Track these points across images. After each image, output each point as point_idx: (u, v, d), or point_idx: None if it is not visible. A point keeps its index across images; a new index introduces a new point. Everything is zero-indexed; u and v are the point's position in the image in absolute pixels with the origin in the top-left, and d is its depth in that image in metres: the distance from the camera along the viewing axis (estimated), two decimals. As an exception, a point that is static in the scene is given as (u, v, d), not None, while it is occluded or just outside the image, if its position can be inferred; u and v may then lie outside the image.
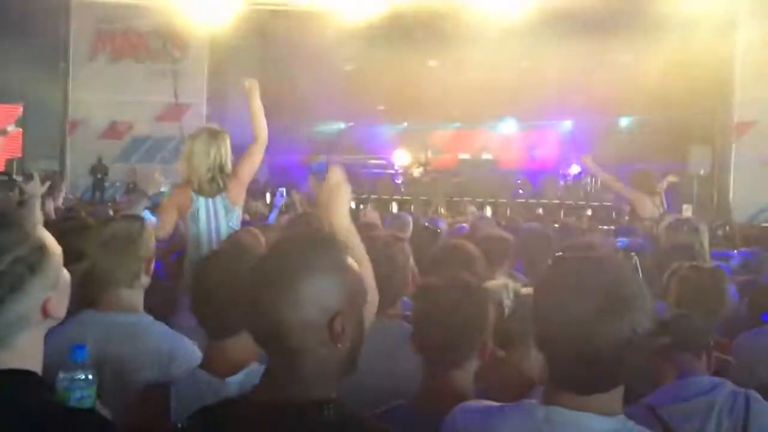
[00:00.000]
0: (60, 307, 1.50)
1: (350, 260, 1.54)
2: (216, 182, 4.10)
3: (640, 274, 1.56)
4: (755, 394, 2.18)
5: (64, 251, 1.53)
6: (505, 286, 2.30)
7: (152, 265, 2.64)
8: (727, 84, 14.26)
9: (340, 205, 1.98)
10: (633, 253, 1.82)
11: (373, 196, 16.06)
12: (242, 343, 2.02)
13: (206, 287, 2.16)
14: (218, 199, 4.13)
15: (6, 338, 1.43)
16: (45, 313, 1.46)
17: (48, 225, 1.60)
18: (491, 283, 2.71)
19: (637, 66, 14.96)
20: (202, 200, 4.10)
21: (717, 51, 13.93)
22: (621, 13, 13.28)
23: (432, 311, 2.08)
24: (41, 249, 1.47)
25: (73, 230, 3.26)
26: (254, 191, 14.85)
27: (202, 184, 4.09)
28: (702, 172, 13.92)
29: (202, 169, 4.07)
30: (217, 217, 4.11)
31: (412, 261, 3.54)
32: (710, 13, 12.98)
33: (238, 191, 4.20)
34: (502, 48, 14.52)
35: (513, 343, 2.16)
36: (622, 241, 5.66)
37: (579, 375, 1.45)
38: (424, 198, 15.72)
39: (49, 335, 1.52)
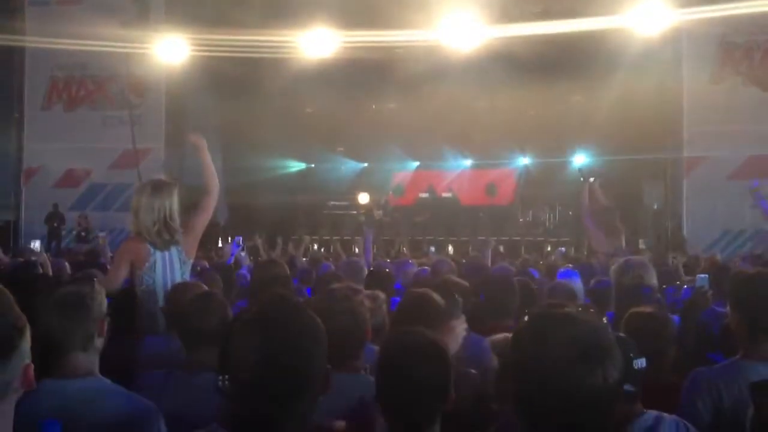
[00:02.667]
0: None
1: None
2: (162, 236, 4.06)
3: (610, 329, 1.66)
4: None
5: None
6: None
7: (105, 327, 2.60)
8: (676, 121, 14.69)
9: None
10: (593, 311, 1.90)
11: (335, 238, 16.09)
12: None
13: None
14: (174, 251, 4.11)
15: None
16: (25, 379, 1.45)
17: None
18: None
19: (588, 105, 15.37)
20: (158, 253, 4.07)
21: (664, 89, 14.42)
22: (571, 55, 13.65)
23: (398, 374, 2.08)
24: (23, 316, 1.48)
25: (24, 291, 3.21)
26: (214, 234, 14.79)
27: (152, 238, 4.06)
28: (655, 206, 14.23)
29: (148, 223, 4.03)
30: (173, 270, 4.09)
31: (384, 308, 3.60)
32: (656, 53, 13.43)
33: (191, 244, 4.22)
34: (458, 89, 14.82)
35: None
36: (568, 273, 5.74)
37: (555, 425, 1.49)
38: (387, 238, 15.79)
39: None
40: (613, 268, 4.07)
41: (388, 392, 2.09)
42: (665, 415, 2.33)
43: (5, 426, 1.46)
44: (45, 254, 6.06)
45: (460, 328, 3.17)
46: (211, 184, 4.32)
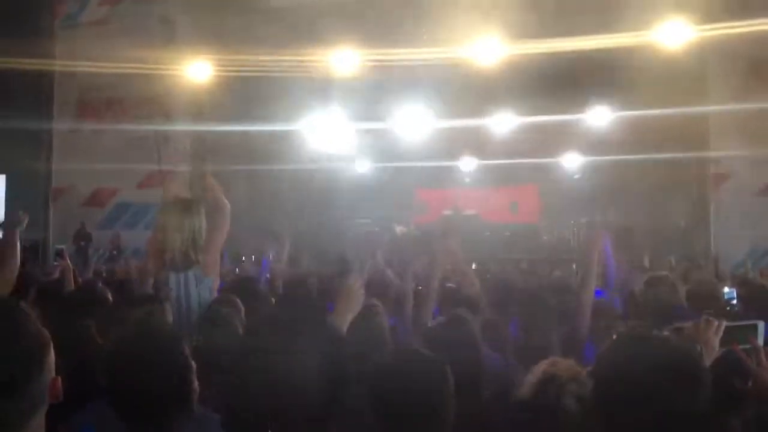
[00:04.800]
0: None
1: None
2: (188, 257, 4.03)
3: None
4: None
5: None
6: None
7: None
8: (702, 138, 14.53)
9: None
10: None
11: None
12: None
13: None
14: (190, 272, 4.04)
15: (24, 423, 1.45)
16: (53, 392, 1.50)
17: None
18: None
19: (611, 121, 15.25)
20: (173, 274, 4.02)
21: (690, 105, 14.26)
22: (597, 70, 13.57)
23: (392, 387, 2.03)
24: (46, 333, 1.53)
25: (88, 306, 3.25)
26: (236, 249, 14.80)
27: (175, 259, 4.02)
28: (682, 224, 14.04)
29: (177, 242, 4.00)
30: (188, 289, 4.01)
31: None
32: (682, 68, 13.31)
33: (210, 261, 4.12)
34: (481, 102, 14.81)
35: None
36: (598, 292, 5.64)
37: None
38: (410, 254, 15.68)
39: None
40: (642, 281, 4.02)
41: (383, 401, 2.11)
42: None
43: None
44: (68, 261, 6.03)
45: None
46: (218, 204, 4.19)
